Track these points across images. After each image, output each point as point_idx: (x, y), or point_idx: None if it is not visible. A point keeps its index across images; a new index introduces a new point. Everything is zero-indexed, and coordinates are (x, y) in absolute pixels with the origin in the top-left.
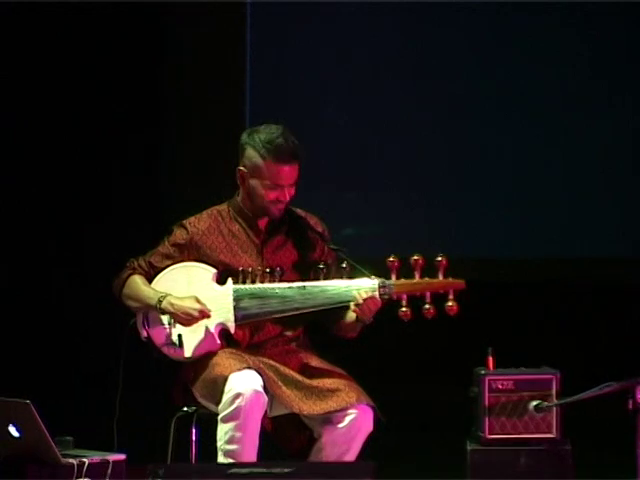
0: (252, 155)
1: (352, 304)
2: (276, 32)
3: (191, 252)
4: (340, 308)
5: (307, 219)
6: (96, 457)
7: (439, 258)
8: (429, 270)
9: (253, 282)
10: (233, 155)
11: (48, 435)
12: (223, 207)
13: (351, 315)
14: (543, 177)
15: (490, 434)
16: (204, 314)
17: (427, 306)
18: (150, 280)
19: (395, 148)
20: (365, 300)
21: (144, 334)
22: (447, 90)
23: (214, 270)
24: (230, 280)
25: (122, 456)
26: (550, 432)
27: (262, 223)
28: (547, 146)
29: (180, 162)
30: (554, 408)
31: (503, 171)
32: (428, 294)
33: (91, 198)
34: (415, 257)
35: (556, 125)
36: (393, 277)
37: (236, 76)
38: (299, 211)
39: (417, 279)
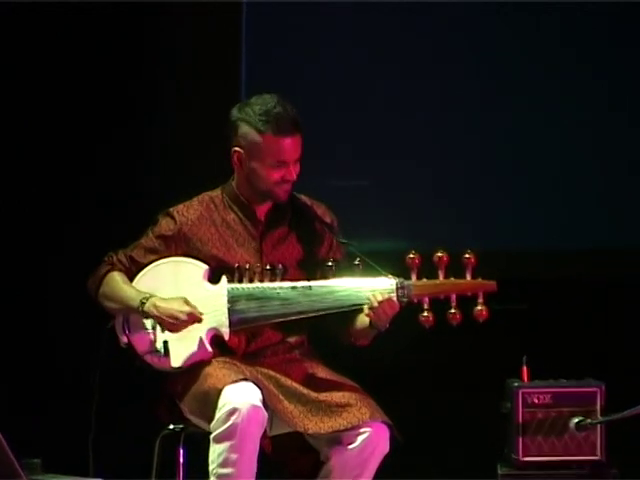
0: (247, 131)
1: (366, 307)
2: (273, 32)
3: (179, 245)
4: (351, 312)
5: (313, 208)
6: None
7: (467, 255)
8: (455, 269)
9: (251, 281)
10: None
11: (12, 457)
12: (216, 193)
13: (364, 320)
14: (579, 163)
15: (525, 456)
16: (194, 318)
17: (452, 310)
18: (132, 277)
19: (405, 141)
20: (381, 303)
21: (124, 340)
22: (461, 78)
23: (206, 266)
24: (224, 278)
25: None
26: (594, 454)
27: (261, 212)
28: (579, 133)
29: (173, 151)
30: (598, 426)
31: (530, 158)
32: (454, 297)
33: (69, 189)
34: (439, 254)
35: (584, 114)
36: (413, 277)
37: (231, 75)
38: (304, 198)
39: (441, 279)
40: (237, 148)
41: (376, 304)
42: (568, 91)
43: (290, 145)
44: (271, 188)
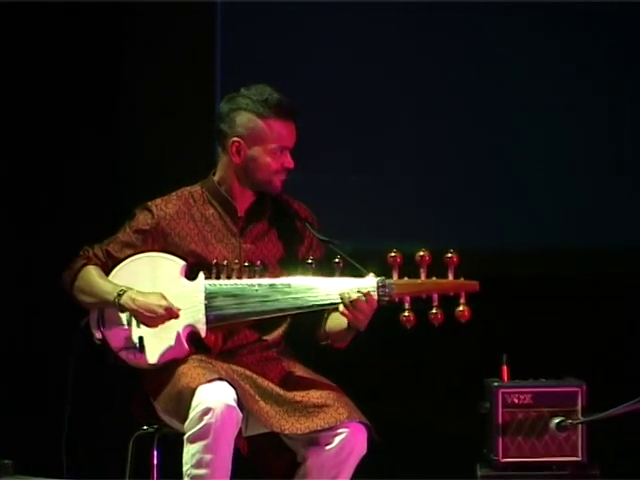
0: (247, 118)
1: (341, 307)
2: (248, 33)
3: (157, 240)
4: (328, 312)
5: (293, 205)
6: None
7: (449, 254)
8: (437, 268)
9: (229, 277)
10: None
11: None
12: (196, 188)
13: (341, 321)
14: (570, 162)
15: (504, 457)
16: (172, 313)
17: (434, 310)
18: (108, 272)
19: (393, 140)
20: (355, 301)
21: (98, 335)
22: (461, 70)
23: (183, 262)
24: (201, 274)
25: None
26: (575, 455)
27: (241, 208)
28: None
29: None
30: (580, 426)
31: (519, 157)
32: (435, 296)
33: (43, 180)
34: (421, 252)
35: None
36: (395, 275)
37: (207, 76)
38: (284, 195)
39: (423, 279)
40: (236, 138)
41: (347, 302)
42: (560, 91)
43: (290, 130)
44: (270, 178)
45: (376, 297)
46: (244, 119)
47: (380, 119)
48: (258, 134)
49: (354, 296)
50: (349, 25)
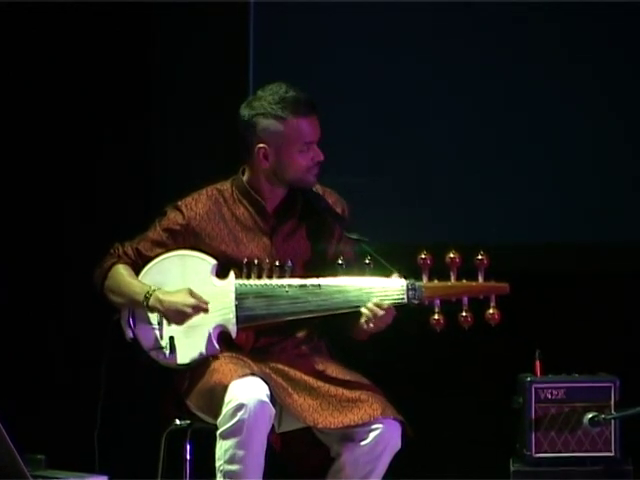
0: (268, 124)
1: (363, 320)
2: (280, 32)
3: (187, 240)
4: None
5: (325, 196)
6: (72, 479)
7: (479, 257)
8: (466, 270)
9: (259, 277)
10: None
11: (16, 452)
12: (225, 186)
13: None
14: (604, 153)
15: (537, 452)
16: (200, 309)
17: (464, 313)
18: (138, 270)
19: (417, 138)
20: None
21: (130, 334)
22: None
23: (214, 261)
24: (232, 274)
25: (104, 478)
26: (608, 450)
27: (271, 206)
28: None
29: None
30: (613, 421)
31: (545, 148)
32: (465, 299)
33: (71, 175)
34: (451, 254)
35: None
36: (424, 278)
37: (240, 76)
38: (316, 187)
39: (453, 281)
40: (261, 145)
41: (371, 319)
42: (570, 94)
43: (312, 124)
44: (303, 175)
45: (406, 299)
46: (265, 124)
47: (406, 118)
48: (281, 137)
49: (379, 314)
50: (382, 24)
